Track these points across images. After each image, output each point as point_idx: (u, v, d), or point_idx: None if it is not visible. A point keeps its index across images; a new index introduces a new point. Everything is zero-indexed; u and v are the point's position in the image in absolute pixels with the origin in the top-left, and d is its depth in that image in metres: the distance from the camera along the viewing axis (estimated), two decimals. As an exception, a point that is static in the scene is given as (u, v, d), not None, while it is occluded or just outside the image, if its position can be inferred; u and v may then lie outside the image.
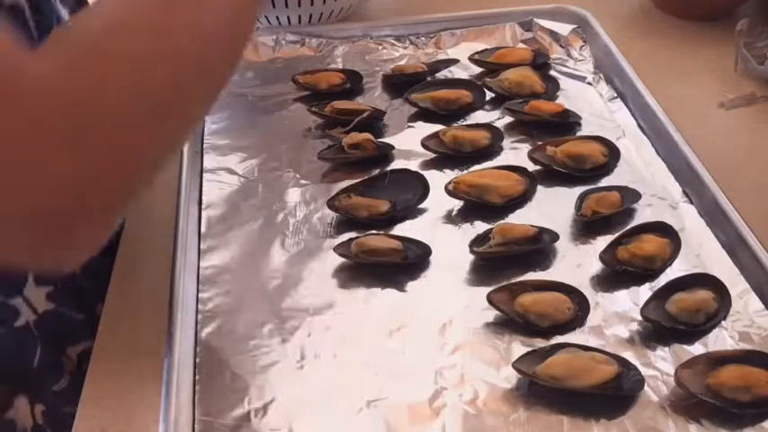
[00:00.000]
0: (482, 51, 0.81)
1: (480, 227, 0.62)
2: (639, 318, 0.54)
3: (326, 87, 0.77)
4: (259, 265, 0.60)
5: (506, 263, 0.59)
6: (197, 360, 0.53)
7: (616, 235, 0.60)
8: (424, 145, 0.69)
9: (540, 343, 0.53)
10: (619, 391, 0.50)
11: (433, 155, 0.69)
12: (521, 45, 0.83)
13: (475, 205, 0.64)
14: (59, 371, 0.63)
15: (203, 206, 0.65)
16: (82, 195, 0.36)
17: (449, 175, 0.67)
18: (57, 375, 0.63)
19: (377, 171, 0.68)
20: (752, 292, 0.56)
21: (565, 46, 0.82)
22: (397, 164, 0.69)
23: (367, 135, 0.68)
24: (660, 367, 0.52)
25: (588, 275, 0.58)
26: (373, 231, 0.62)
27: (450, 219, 0.63)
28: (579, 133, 0.71)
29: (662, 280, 0.57)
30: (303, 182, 0.67)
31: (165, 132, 0.40)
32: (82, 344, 0.64)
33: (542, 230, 0.60)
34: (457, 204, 0.64)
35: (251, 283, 0.58)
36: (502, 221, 0.62)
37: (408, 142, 0.71)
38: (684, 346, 0.53)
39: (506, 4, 0.87)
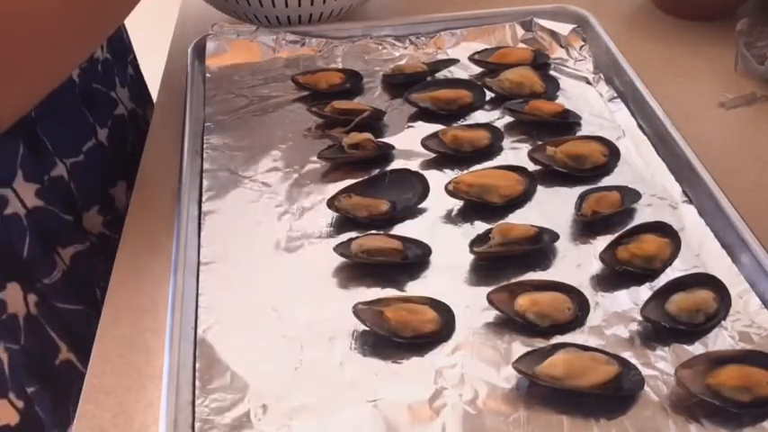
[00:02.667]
0: (482, 51, 0.81)
1: (480, 227, 0.62)
2: (639, 318, 0.54)
3: (326, 87, 0.77)
4: (259, 265, 0.60)
5: (506, 263, 0.59)
6: (197, 360, 0.53)
7: (616, 235, 0.60)
8: (424, 145, 0.69)
9: (540, 343, 0.53)
10: (619, 391, 0.50)
11: (433, 155, 0.69)
12: (521, 45, 0.83)
13: (475, 205, 0.64)
14: (51, 265, 0.66)
15: (203, 206, 0.65)
16: None
17: (449, 174, 0.67)
18: (48, 269, 0.66)
19: (377, 171, 0.68)
20: (752, 292, 0.56)
21: (565, 46, 0.82)
22: (397, 164, 0.69)
23: (367, 135, 0.68)
24: (660, 367, 0.52)
25: (588, 275, 0.58)
26: (373, 231, 0.62)
27: (450, 219, 0.64)
28: (579, 133, 0.71)
29: (662, 280, 0.57)
30: (303, 182, 0.67)
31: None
32: (73, 246, 0.69)
33: (542, 230, 0.60)
34: (457, 204, 0.64)
35: (251, 283, 0.59)
36: (502, 221, 0.62)
37: (408, 142, 0.71)
38: (684, 346, 0.53)
39: (506, 4, 0.87)
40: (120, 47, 0.84)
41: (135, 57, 0.88)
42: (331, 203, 0.63)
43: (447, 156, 0.69)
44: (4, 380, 0.63)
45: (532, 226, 0.60)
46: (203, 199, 0.66)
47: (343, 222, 0.63)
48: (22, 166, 0.64)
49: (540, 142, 0.69)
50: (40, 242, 0.65)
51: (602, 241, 0.60)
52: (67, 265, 0.68)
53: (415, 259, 0.59)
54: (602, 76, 0.78)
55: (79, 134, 0.73)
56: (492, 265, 0.59)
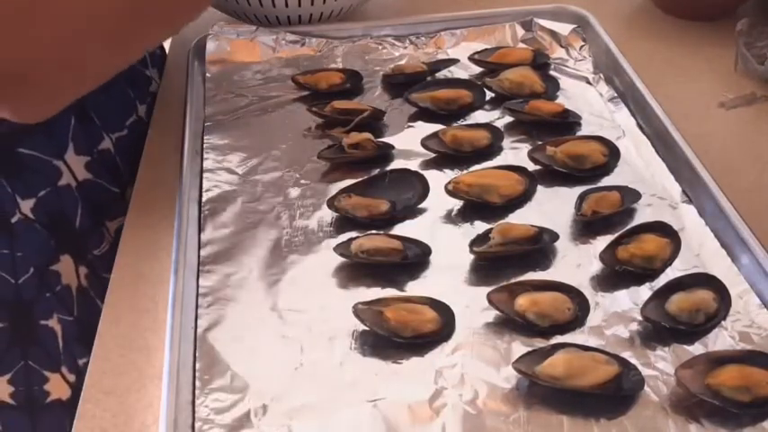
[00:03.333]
0: (482, 51, 0.81)
1: (480, 227, 0.62)
2: (639, 318, 0.54)
3: (326, 87, 0.77)
4: (259, 265, 0.60)
5: (506, 263, 0.59)
6: (197, 360, 0.53)
7: (616, 235, 0.60)
8: (424, 145, 0.69)
9: (540, 343, 0.53)
10: (619, 391, 0.50)
11: (433, 155, 0.69)
12: (521, 45, 0.83)
13: (475, 205, 0.64)
14: (100, 237, 0.70)
15: (203, 206, 0.65)
16: (27, 66, 0.46)
17: (449, 174, 0.67)
18: (98, 240, 0.69)
19: (377, 171, 0.68)
20: (752, 292, 0.56)
21: (565, 46, 0.82)
22: (397, 164, 0.69)
23: (367, 135, 0.68)
24: (660, 367, 0.52)
25: (588, 275, 0.58)
26: (373, 231, 0.62)
27: (450, 219, 0.64)
28: (579, 133, 0.71)
29: (662, 280, 0.57)
30: (303, 182, 0.67)
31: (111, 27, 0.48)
32: (118, 219, 0.71)
33: (542, 230, 0.60)
34: (457, 204, 0.64)
35: (251, 283, 0.58)
36: (502, 221, 0.62)
37: (408, 142, 0.71)
38: (684, 346, 0.53)
39: (506, 4, 0.87)
40: None
41: None
42: (331, 203, 0.63)
43: (447, 156, 0.69)
44: (58, 353, 0.65)
45: (532, 226, 0.60)
46: (203, 199, 0.66)
47: (343, 222, 0.63)
48: (73, 139, 0.67)
49: (540, 142, 0.69)
50: (89, 214, 0.68)
51: (602, 241, 0.60)
52: (113, 237, 0.70)
53: (415, 259, 0.59)
54: (602, 76, 0.78)
55: (123, 109, 0.77)
56: (492, 265, 0.59)
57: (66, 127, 0.67)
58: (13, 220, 0.64)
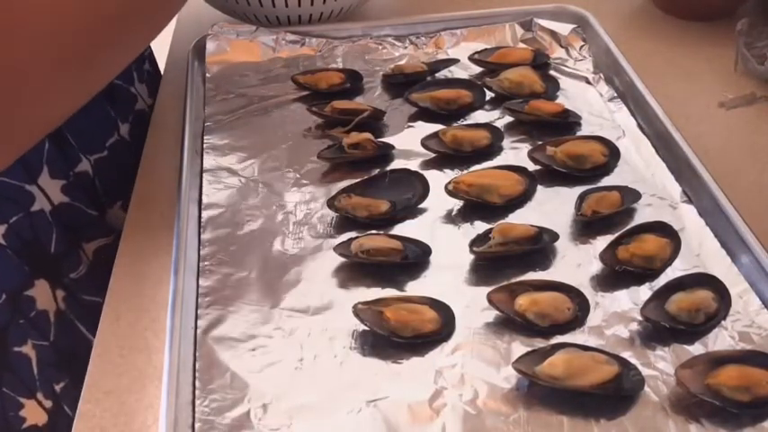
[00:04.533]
0: (482, 51, 0.81)
1: (480, 227, 0.62)
2: (639, 318, 0.54)
3: (326, 87, 0.77)
4: (259, 265, 0.60)
5: (506, 263, 0.59)
6: (197, 360, 0.53)
7: (616, 235, 0.60)
8: (424, 145, 0.69)
9: (540, 343, 0.53)
10: (619, 391, 0.50)
11: (433, 155, 0.69)
12: (521, 45, 0.83)
13: (475, 205, 0.64)
14: (76, 260, 0.67)
15: (203, 206, 0.65)
16: None
17: (449, 174, 0.67)
18: (74, 263, 0.67)
19: (377, 171, 0.68)
20: (752, 292, 0.56)
21: (565, 46, 0.82)
22: (397, 164, 0.69)
23: (367, 135, 0.68)
24: (660, 367, 0.52)
25: (588, 275, 0.58)
26: (373, 231, 0.62)
27: (450, 219, 0.64)
28: (579, 133, 0.71)
29: (662, 280, 0.57)
30: (303, 182, 0.67)
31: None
32: (97, 241, 0.70)
33: (542, 230, 0.60)
34: (457, 204, 0.64)
35: (251, 283, 0.59)
36: (502, 221, 0.62)
37: (408, 142, 0.71)
38: (684, 346, 0.53)
39: (506, 4, 0.87)
40: None
41: (152, 51, 0.89)
42: (331, 203, 0.63)
43: (447, 156, 0.69)
44: (33, 380, 0.63)
45: (532, 226, 0.60)
46: (203, 199, 0.66)
47: (343, 222, 0.63)
48: (48, 162, 0.65)
49: (540, 142, 0.69)
50: (65, 237, 0.66)
51: (602, 241, 0.60)
52: (91, 260, 0.69)
53: (415, 259, 0.59)
54: (602, 75, 0.78)
55: (102, 130, 0.74)
56: (492, 265, 0.59)
57: (39, 151, 0.65)
58: None
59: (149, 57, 0.88)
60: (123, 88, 0.79)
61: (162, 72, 0.90)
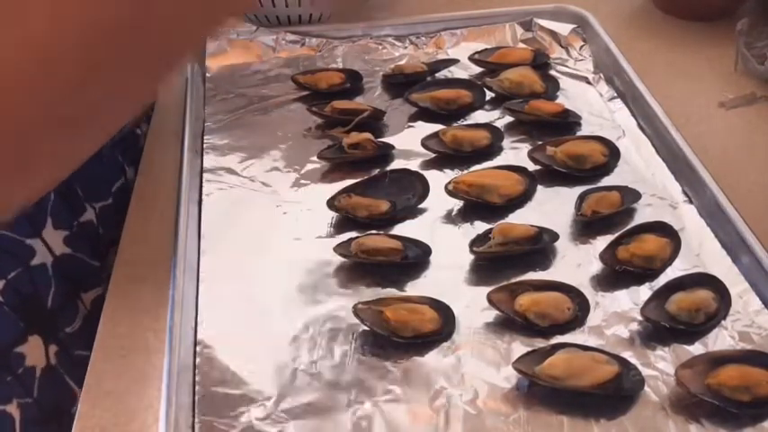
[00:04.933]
0: (482, 51, 0.81)
1: (480, 227, 0.62)
2: (639, 318, 0.54)
3: (326, 87, 0.77)
4: (259, 266, 0.60)
5: (506, 263, 0.59)
6: (197, 360, 0.53)
7: (616, 235, 0.60)
8: (424, 145, 0.69)
9: (540, 343, 0.53)
10: (619, 391, 0.50)
11: (433, 155, 0.69)
12: (521, 45, 0.83)
13: (475, 205, 0.64)
14: (74, 313, 0.65)
15: (203, 206, 0.65)
16: None
17: (449, 174, 0.67)
18: (71, 317, 0.65)
19: (377, 171, 0.68)
20: (752, 291, 0.56)
21: (565, 46, 0.82)
22: (397, 164, 0.69)
23: (367, 135, 0.68)
24: (660, 367, 0.52)
25: (588, 275, 0.58)
26: (373, 231, 0.62)
27: (450, 219, 0.64)
28: (579, 133, 0.71)
29: (662, 280, 0.57)
30: (303, 182, 0.67)
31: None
32: (95, 290, 0.67)
33: (542, 230, 0.60)
34: (457, 204, 0.64)
35: (251, 283, 0.58)
36: (502, 221, 0.62)
37: (408, 142, 0.71)
38: (684, 346, 0.53)
39: (506, 4, 0.87)
40: None
41: None
42: (331, 203, 0.63)
43: (447, 156, 0.69)
44: None
45: (532, 226, 0.60)
46: (203, 199, 0.66)
47: (343, 222, 0.63)
48: (53, 213, 0.64)
49: (540, 142, 0.69)
50: (64, 289, 0.64)
51: (602, 241, 0.60)
52: (88, 309, 0.67)
53: (415, 259, 0.59)
54: (602, 75, 0.78)
55: (109, 176, 0.73)
56: (492, 265, 0.59)
57: (45, 201, 0.63)
58: None
59: None
60: (129, 131, 0.77)
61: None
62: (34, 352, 0.61)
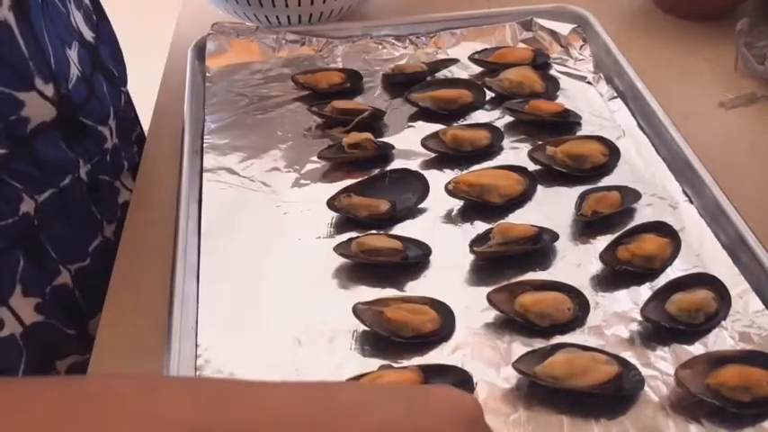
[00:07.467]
0: (482, 51, 0.81)
1: (480, 227, 0.62)
2: (639, 318, 0.54)
3: (326, 87, 0.77)
4: (259, 266, 0.60)
5: (506, 263, 0.59)
6: (197, 360, 0.53)
7: (616, 235, 0.60)
8: (424, 145, 0.69)
9: (540, 343, 0.53)
10: (619, 391, 0.50)
11: (433, 154, 0.69)
12: (521, 45, 0.83)
13: (475, 205, 0.64)
14: None
15: (203, 206, 0.65)
16: None
17: (449, 174, 0.67)
18: None
19: (377, 171, 0.68)
20: (752, 292, 0.56)
21: (565, 46, 0.82)
22: (397, 164, 0.69)
23: (367, 135, 0.68)
24: (660, 367, 0.52)
25: (588, 275, 0.58)
26: (373, 231, 0.62)
27: (450, 218, 0.63)
28: (579, 133, 0.71)
29: (662, 280, 0.57)
30: (303, 182, 0.67)
31: None
32: (72, 357, 0.63)
33: (542, 230, 0.60)
34: (457, 204, 0.64)
35: (251, 283, 0.58)
36: (502, 221, 0.62)
37: (408, 142, 0.71)
38: (684, 346, 0.53)
39: (506, 3, 0.87)
40: (128, 125, 0.77)
41: (142, 131, 0.81)
42: (331, 203, 0.63)
43: (447, 156, 0.69)
44: None
45: (532, 226, 0.60)
46: (203, 199, 0.66)
47: (343, 222, 0.63)
48: (22, 280, 0.58)
49: (540, 142, 0.69)
50: (36, 360, 0.60)
51: (602, 241, 0.60)
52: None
53: (415, 259, 0.59)
54: (602, 75, 0.78)
55: (86, 234, 0.66)
56: (492, 265, 0.59)
57: (12, 267, 0.57)
58: None
59: (138, 139, 0.79)
60: (108, 183, 0.69)
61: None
62: None
